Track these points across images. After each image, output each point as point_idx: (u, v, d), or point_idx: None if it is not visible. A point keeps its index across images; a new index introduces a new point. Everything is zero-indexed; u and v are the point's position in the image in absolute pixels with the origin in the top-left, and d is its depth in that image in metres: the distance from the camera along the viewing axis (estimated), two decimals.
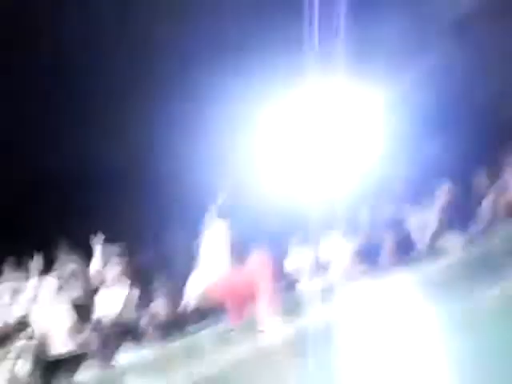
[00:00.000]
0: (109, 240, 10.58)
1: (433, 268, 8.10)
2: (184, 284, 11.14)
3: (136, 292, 9.93)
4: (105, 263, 9.20)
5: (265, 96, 10.17)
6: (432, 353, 3.23)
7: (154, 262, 13.11)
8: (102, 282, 9.07)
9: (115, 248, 9.50)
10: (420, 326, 4.12)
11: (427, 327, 3.92)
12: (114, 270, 9.04)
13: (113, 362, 8.24)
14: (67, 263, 10.38)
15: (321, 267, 9.92)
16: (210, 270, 6.39)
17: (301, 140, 10.67)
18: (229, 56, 10.83)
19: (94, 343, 8.72)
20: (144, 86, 11.16)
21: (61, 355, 8.23)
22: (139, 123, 11.39)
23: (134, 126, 11.27)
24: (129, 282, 10.17)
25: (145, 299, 9.90)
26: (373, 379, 3.13)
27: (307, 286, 6.88)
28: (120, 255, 10.13)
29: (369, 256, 11.02)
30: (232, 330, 6.73)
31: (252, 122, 10.42)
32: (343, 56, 9.16)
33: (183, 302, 10.73)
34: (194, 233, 13.01)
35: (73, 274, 10.12)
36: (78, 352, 8.33)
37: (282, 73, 10.08)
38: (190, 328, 9.85)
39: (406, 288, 6.89)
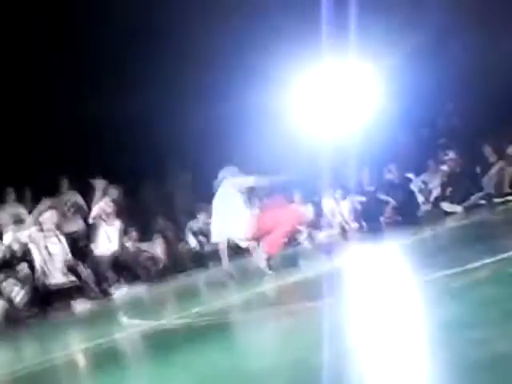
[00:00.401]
0: (110, 180, 10.72)
1: (430, 233, 8.19)
2: (184, 226, 11.31)
3: (134, 231, 10.04)
4: (105, 201, 9.27)
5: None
6: (416, 318, 3.32)
7: (156, 203, 13.25)
8: (101, 220, 9.16)
9: (115, 188, 9.55)
10: (407, 289, 4.21)
11: (414, 291, 4.00)
12: (114, 208, 9.11)
13: (108, 297, 8.39)
14: (69, 198, 10.50)
15: (321, 223, 10.02)
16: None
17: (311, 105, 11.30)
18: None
19: (90, 278, 8.85)
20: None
21: (57, 285, 8.37)
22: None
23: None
24: (128, 220, 10.28)
25: (144, 238, 10.01)
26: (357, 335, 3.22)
27: (307, 240, 7.01)
28: (120, 195, 10.23)
29: (369, 215, 11.13)
30: (231, 275, 6.87)
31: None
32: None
33: (182, 244, 10.88)
34: (197, 176, 13.22)
35: (73, 209, 10.23)
36: (75, 284, 8.47)
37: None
38: (188, 270, 10.01)
39: (398, 249, 6.98)
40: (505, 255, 4.29)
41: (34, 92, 11.37)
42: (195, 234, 10.81)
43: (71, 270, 8.69)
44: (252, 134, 11.53)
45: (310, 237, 8.25)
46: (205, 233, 10.72)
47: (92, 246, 9.20)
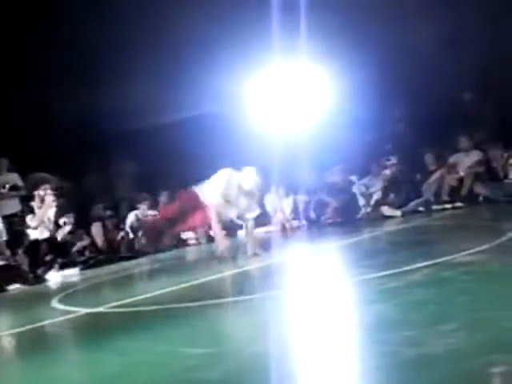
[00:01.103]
0: (54, 165, 10.61)
1: (369, 235, 8.32)
2: (125, 215, 11.22)
3: (71, 216, 9.90)
4: (44, 188, 9.11)
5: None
6: (349, 316, 3.38)
7: (98, 191, 13.09)
8: (39, 203, 9.00)
9: (52, 176, 9.42)
10: (342, 287, 4.27)
11: (349, 290, 4.07)
12: (51, 194, 8.97)
13: (42, 282, 8.26)
14: (7, 180, 10.28)
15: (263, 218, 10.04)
16: None
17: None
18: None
19: (25, 261, 8.70)
20: None
21: None
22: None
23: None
24: (67, 206, 10.15)
25: (84, 225, 9.89)
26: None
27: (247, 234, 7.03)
28: (59, 182, 10.11)
29: (308, 214, 11.25)
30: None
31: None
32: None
33: (121, 232, 10.78)
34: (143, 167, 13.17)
35: (12, 191, 10.03)
36: (8, 266, 8.31)
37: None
38: (126, 259, 9.93)
39: (336, 249, 7.07)
40: (438, 260, 4.40)
41: None
42: (134, 224, 10.72)
43: (3, 252, 8.53)
44: (200, 130, 11.52)
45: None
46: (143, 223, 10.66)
47: (28, 229, 9.03)
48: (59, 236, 9.13)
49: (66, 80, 11.57)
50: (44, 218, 9.02)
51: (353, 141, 12.72)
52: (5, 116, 11.33)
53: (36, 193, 8.93)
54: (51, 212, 9.15)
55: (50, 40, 11.51)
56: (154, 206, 10.95)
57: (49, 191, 8.95)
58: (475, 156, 10.67)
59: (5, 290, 7.80)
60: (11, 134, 11.23)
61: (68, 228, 9.51)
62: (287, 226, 11.03)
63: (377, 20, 11.22)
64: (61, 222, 9.51)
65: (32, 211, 9.01)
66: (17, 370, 3.34)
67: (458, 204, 10.15)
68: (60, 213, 9.45)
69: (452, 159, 10.93)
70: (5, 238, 8.65)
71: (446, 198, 10.43)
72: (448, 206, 10.23)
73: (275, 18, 10.40)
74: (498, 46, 10.69)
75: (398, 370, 2.18)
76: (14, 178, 10.48)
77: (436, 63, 11.43)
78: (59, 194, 10.01)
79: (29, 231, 8.94)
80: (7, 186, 9.99)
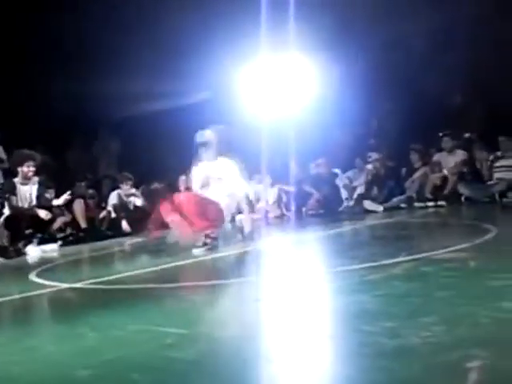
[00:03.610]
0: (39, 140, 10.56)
1: (350, 228, 8.34)
2: (109, 190, 11.18)
3: (53, 192, 9.83)
4: (27, 165, 9.01)
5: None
6: (329, 306, 3.39)
7: (81, 168, 13.05)
8: (21, 180, 8.93)
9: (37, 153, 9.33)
10: (322, 277, 4.28)
11: (329, 280, 4.08)
12: (32, 167, 8.89)
13: (21, 256, 8.21)
14: None
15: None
16: None
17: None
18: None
19: (3, 235, 8.64)
20: None
21: None
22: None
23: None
24: (49, 182, 10.08)
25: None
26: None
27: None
28: (42, 158, 10.03)
29: (291, 204, 11.26)
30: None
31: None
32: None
33: (103, 211, 10.73)
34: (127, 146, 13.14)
35: None
36: None
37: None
38: (105, 236, 9.90)
39: (317, 240, 7.08)
40: (420, 256, 4.43)
41: None
42: (116, 203, 10.66)
43: None
44: (190, 119, 11.51)
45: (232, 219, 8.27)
46: (125, 203, 10.62)
47: (8, 203, 8.95)
48: (39, 210, 9.05)
49: (58, 62, 11.56)
50: (26, 194, 8.96)
51: (338, 134, 12.78)
52: None
53: (19, 169, 8.85)
54: (34, 188, 9.08)
55: (45, 25, 11.47)
56: (135, 186, 10.92)
57: (32, 168, 8.86)
58: (460, 156, 10.75)
59: None
60: None
61: (48, 203, 9.42)
62: (269, 214, 11.04)
63: (367, 14, 11.23)
64: (42, 196, 9.44)
65: (14, 188, 8.92)
66: None
67: (441, 202, 10.22)
68: (42, 188, 9.37)
69: (436, 158, 11.00)
70: None
71: (428, 195, 10.50)
72: (430, 204, 10.31)
73: (265, 9, 10.42)
74: (489, 45, 10.74)
75: (378, 358, 2.19)
76: None
77: (426, 61, 11.48)
78: (42, 170, 9.94)
79: (8, 204, 8.86)
80: None
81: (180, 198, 6.35)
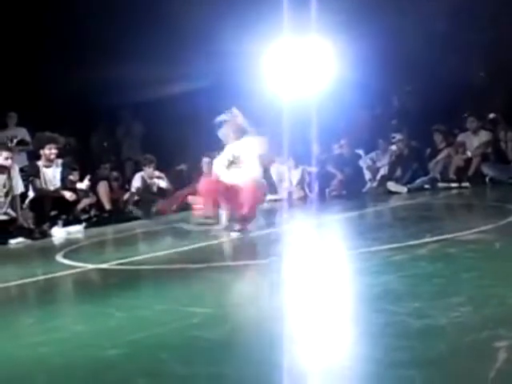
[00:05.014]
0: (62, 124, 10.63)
1: (375, 209, 8.33)
2: (131, 176, 11.23)
3: (77, 174, 9.89)
4: (48, 148, 9.06)
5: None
6: (354, 287, 3.39)
7: (104, 151, 13.13)
8: (45, 162, 8.99)
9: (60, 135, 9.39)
10: (348, 258, 4.28)
11: (354, 261, 4.08)
12: (54, 150, 8.94)
13: (47, 237, 8.27)
14: (15, 134, 10.28)
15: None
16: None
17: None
18: None
19: (29, 216, 8.71)
20: None
21: None
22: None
23: None
24: (73, 164, 10.15)
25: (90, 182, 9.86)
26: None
27: None
28: (66, 138, 10.10)
29: (314, 185, 11.22)
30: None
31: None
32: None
33: (126, 193, 10.79)
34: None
35: (19, 145, 10.03)
36: (15, 218, 8.33)
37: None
38: (129, 218, 9.96)
39: (342, 222, 7.07)
40: (444, 237, 4.42)
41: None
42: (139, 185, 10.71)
43: (16, 206, 8.55)
44: (211, 102, 11.51)
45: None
46: (148, 185, 10.66)
47: (32, 185, 9.03)
48: (64, 192, 9.11)
49: (81, 50, 11.63)
50: (50, 177, 9.02)
51: (361, 115, 12.71)
52: (18, 74, 11.37)
53: (42, 152, 8.91)
54: (57, 170, 9.14)
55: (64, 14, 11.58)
56: (158, 169, 10.95)
57: (54, 150, 8.91)
58: (484, 137, 10.65)
59: (6, 243, 7.82)
60: (23, 91, 11.27)
61: (73, 185, 9.49)
62: (293, 195, 11.02)
63: None
64: (67, 178, 9.51)
65: (38, 171, 8.99)
66: (17, 320, 3.36)
67: (465, 184, 10.14)
68: (66, 171, 9.44)
69: (460, 138, 10.91)
70: (21, 190, 8.66)
71: (452, 177, 10.43)
72: (454, 185, 10.23)
73: None
74: (508, 22, 10.60)
75: (405, 338, 2.20)
76: (23, 133, 10.49)
77: (448, 41, 11.35)
78: (66, 151, 10.00)
79: (33, 187, 8.93)
80: (15, 140, 9.99)
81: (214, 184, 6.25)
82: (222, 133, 6.48)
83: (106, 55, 11.25)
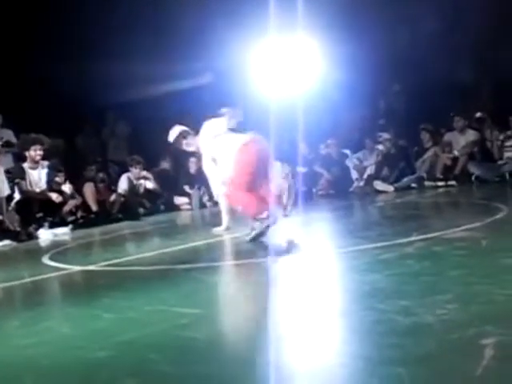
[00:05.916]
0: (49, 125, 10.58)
1: (362, 208, 8.35)
2: (118, 175, 11.19)
3: (62, 175, 9.85)
4: (34, 149, 9.02)
5: None
6: (342, 285, 3.40)
7: (91, 152, 13.06)
8: (31, 164, 8.95)
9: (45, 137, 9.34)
10: (336, 257, 4.29)
11: (342, 259, 4.09)
12: (39, 151, 8.90)
13: (33, 239, 8.24)
14: (1, 135, 10.22)
15: None
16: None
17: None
18: None
19: (14, 218, 8.67)
20: None
21: None
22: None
23: None
24: (59, 165, 10.09)
25: (75, 184, 9.83)
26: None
27: None
28: (52, 139, 10.05)
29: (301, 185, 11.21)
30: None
31: None
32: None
33: (113, 194, 10.74)
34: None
35: (5, 147, 9.98)
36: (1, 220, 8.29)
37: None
38: (118, 220, 9.92)
39: (329, 220, 7.09)
40: (431, 235, 4.43)
41: None
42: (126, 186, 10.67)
43: (2, 208, 8.50)
44: (195, 98, 11.50)
45: None
46: (135, 186, 10.62)
47: (18, 187, 8.98)
48: (50, 194, 9.07)
49: (66, 50, 11.60)
50: (36, 178, 8.98)
51: (347, 115, 12.73)
52: (3, 75, 11.31)
53: (27, 153, 8.87)
54: (43, 172, 9.10)
55: (51, 12, 11.54)
56: (145, 169, 10.92)
57: (39, 152, 8.87)
58: (470, 136, 10.69)
59: None
60: (8, 92, 11.20)
61: (59, 186, 9.45)
62: (281, 194, 11.00)
63: None
64: (52, 180, 9.47)
65: (23, 172, 8.94)
66: (4, 323, 3.34)
67: (451, 182, 10.19)
68: (52, 172, 9.39)
69: (447, 137, 10.96)
70: (7, 192, 8.61)
71: (439, 175, 10.47)
72: (441, 183, 10.28)
73: None
74: (496, 21, 10.66)
75: (393, 336, 2.20)
76: (8, 135, 10.42)
77: (435, 41, 11.39)
78: (52, 153, 9.95)
79: (19, 188, 8.89)
80: (0, 142, 9.93)
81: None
82: (185, 144, 6.54)
83: (91, 56, 11.21)
